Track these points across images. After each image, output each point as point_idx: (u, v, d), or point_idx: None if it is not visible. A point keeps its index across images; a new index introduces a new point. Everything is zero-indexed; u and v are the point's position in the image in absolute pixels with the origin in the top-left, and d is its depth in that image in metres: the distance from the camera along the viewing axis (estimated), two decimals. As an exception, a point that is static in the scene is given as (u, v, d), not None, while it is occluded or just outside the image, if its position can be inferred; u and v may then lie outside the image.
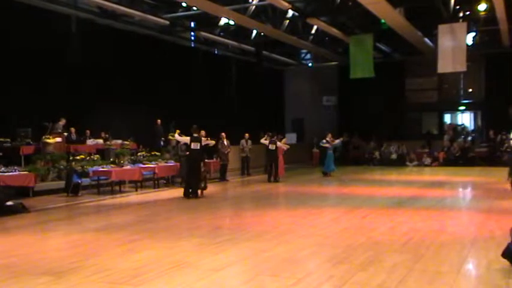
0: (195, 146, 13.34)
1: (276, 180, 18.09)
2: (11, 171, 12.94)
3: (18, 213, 10.89)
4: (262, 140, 18.92)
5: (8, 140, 15.11)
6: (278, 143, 18.57)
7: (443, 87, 30.03)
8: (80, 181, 14.32)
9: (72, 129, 17.57)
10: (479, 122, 29.99)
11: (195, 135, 13.55)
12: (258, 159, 22.20)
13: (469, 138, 28.14)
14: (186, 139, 13.75)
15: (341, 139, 20.65)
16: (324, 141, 20.60)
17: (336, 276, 5.78)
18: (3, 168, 12.71)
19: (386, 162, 26.24)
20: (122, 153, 16.17)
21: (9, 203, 10.94)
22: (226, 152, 19.16)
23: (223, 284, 5.69)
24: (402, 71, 30.06)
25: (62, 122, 17.18)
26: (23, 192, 13.13)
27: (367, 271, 5.98)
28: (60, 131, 16.79)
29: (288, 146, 19.72)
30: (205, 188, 13.98)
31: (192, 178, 13.47)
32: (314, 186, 17.12)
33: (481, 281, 5.80)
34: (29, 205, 11.60)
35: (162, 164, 16.75)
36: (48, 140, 15.53)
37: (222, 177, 18.95)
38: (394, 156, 26.65)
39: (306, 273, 6.05)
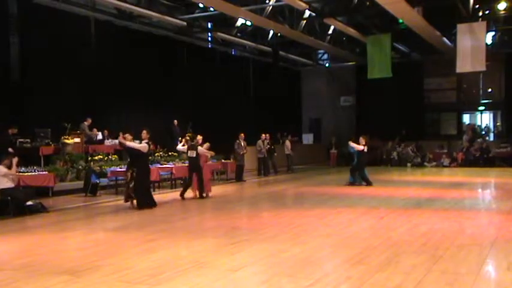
0: (144, 148, 11.53)
1: (202, 197, 13.54)
2: (31, 172, 13.12)
3: (37, 212, 11.03)
4: (179, 147, 14.54)
5: (28, 140, 15.28)
6: (200, 149, 13.71)
7: (462, 87, 29.74)
8: (98, 181, 14.46)
9: (95, 130, 17.74)
10: (499, 122, 29.63)
11: (122, 141, 11.67)
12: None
13: (488, 138, 27.80)
14: (142, 146, 11.51)
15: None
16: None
17: (353, 277, 5.75)
18: (23, 169, 12.87)
19: (404, 163, 26.04)
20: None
21: (29, 202, 11.09)
22: (242, 152, 19.14)
23: (240, 284, 5.68)
24: (420, 70, 29.83)
25: (88, 122, 17.38)
26: (43, 192, 13.32)
27: (385, 272, 5.94)
28: (85, 130, 16.99)
29: (213, 153, 15.01)
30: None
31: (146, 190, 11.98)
32: (331, 187, 17.03)
33: (500, 283, 5.71)
34: (48, 205, 11.76)
35: (179, 164, 16.81)
36: (67, 141, 15.72)
37: (239, 178, 18.95)
38: (411, 158, 26.39)
39: (323, 274, 6.03)
